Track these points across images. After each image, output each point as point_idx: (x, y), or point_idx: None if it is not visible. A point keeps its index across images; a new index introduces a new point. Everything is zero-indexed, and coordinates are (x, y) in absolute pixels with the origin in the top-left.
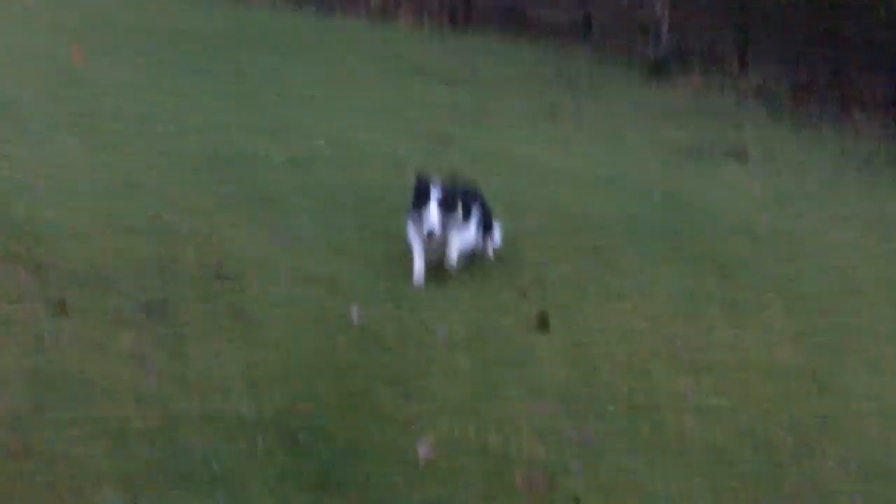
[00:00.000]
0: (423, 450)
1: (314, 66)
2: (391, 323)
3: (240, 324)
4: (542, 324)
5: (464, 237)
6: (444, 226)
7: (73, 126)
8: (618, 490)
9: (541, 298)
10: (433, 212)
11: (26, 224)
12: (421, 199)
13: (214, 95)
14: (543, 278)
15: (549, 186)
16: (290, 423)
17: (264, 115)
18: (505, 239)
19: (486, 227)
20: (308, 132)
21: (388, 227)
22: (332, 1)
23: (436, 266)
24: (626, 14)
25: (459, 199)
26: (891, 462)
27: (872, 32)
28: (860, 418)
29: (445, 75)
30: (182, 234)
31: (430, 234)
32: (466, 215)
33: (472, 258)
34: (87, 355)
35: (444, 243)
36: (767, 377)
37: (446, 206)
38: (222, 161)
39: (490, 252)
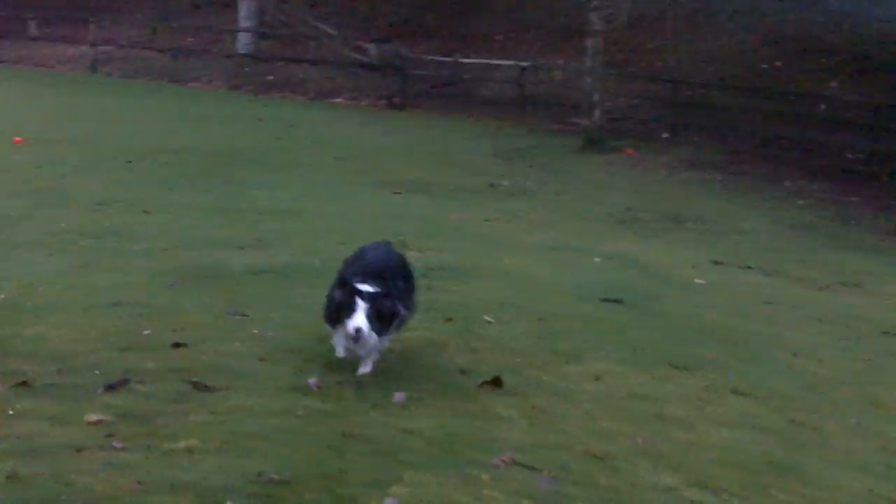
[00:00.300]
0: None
1: (281, 175)
2: (349, 388)
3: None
4: (497, 383)
5: (383, 342)
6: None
7: (53, 244)
8: None
9: (495, 361)
10: (361, 322)
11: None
12: (345, 307)
13: (190, 209)
14: (499, 341)
15: (494, 253)
16: (261, 487)
17: (239, 229)
18: (456, 304)
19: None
20: (284, 244)
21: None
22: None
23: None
24: (560, 91)
25: (387, 307)
26: None
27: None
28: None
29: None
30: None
31: (358, 335)
32: (391, 318)
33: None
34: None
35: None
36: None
37: (376, 317)
38: (200, 274)
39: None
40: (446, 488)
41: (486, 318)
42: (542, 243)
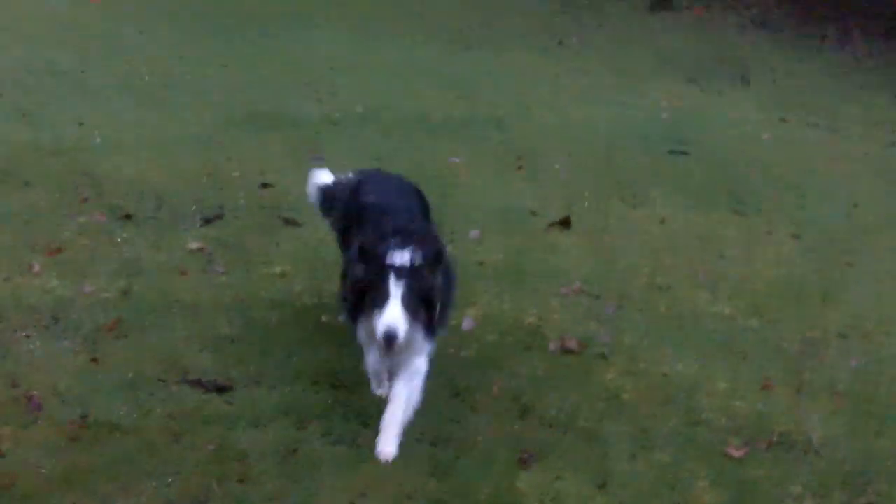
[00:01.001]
0: (466, 322)
1: (341, 32)
2: None
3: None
4: (565, 223)
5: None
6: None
7: (138, 93)
8: (639, 351)
9: (564, 204)
10: (396, 314)
11: (93, 171)
12: (377, 289)
13: (264, 61)
14: (568, 186)
15: (563, 107)
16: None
17: (312, 80)
18: (527, 151)
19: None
20: (343, 94)
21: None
22: None
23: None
24: None
25: (437, 286)
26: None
27: None
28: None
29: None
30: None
31: (391, 340)
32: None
33: None
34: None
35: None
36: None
37: (422, 303)
38: (264, 117)
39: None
40: (517, 311)
41: (556, 165)
42: (609, 98)
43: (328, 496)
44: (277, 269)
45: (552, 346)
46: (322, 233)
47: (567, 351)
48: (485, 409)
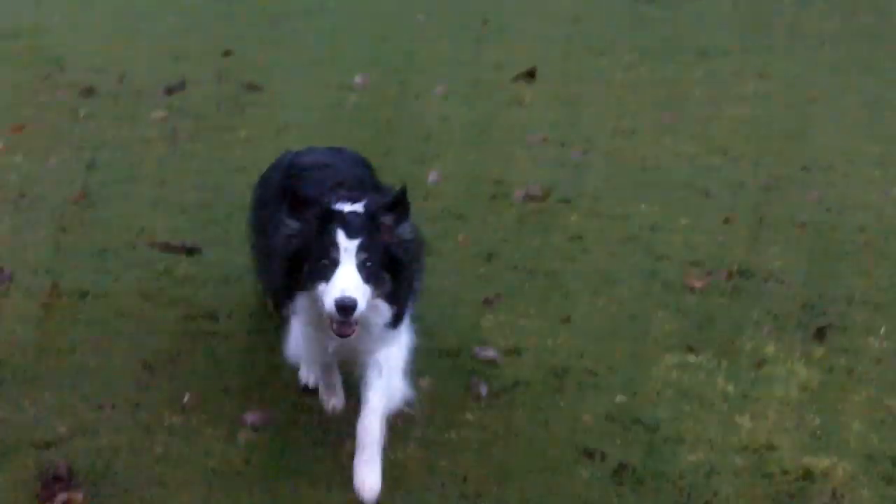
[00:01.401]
0: (432, 176)
1: None
2: (393, 84)
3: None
4: (531, 75)
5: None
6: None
7: None
8: (602, 195)
9: (529, 56)
10: (350, 281)
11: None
12: (319, 251)
13: None
14: (534, 39)
15: None
16: None
17: None
18: (490, 8)
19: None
20: None
21: None
22: None
23: None
24: None
25: (409, 243)
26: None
27: None
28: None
29: None
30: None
31: (347, 311)
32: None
33: None
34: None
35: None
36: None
37: (388, 268)
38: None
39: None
40: (483, 164)
41: (522, 21)
42: None
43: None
44: (242, 134)
45: (517, 194)
46: (287, 97)
47: (531, 198)
48: (450, 257)
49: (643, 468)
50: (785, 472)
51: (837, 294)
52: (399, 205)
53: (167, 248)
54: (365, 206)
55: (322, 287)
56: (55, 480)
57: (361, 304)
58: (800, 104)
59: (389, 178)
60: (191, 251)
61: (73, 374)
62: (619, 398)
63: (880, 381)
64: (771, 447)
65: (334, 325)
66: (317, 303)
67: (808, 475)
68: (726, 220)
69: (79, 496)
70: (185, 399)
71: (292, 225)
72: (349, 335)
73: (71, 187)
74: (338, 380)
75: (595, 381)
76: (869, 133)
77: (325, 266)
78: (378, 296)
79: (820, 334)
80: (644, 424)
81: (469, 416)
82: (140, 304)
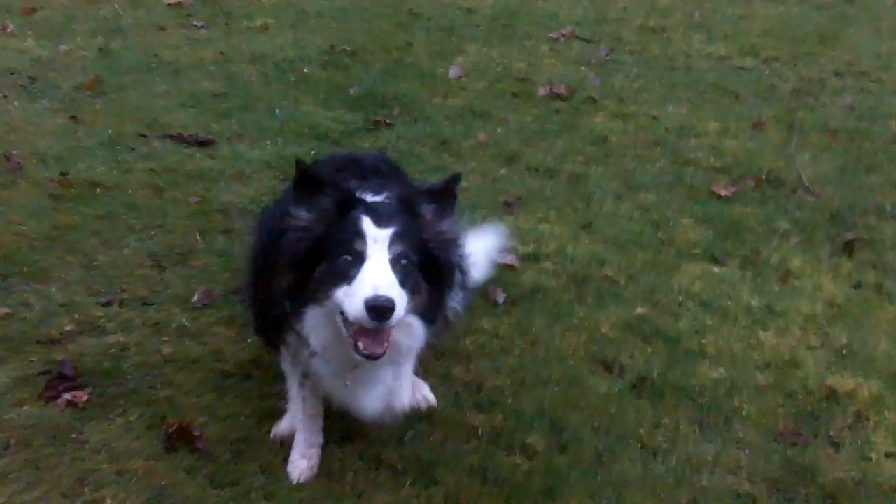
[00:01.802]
0: (454, 70)
1: None
2: None
3: None
4: None
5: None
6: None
7: None
8: (629, 95)
9: None
10: (384, 276)
11: None
12: (341, 243)
13: None
14: None
15: None
16: (333, 57)
17: None
18: None
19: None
20: None
21: None
22: None
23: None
24: None
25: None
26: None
27: None
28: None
29: None
30: None
31: (383, 316)
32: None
33: None
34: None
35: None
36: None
37: (410, 269)
38: None
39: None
40: (507, 57)
41: None
42: None
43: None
44: (258, 22)
45: (541, 91)
46: None
47: (556, 96)
48: (471, 157)
49: (662, 382)
50: (808, 392)
51: (868, 206)
52: (445, 193)
53: (180, 139)
54: (401, 193)
55: (343, 291)
56: (60, 378)
57: (400, 309)
58: (835, 4)
59: (409, 73)
60: (204, 144)
61: (81, 270)
62: (640, 309)
63: None
64: (794, 364)
65: (360, 344)
66: (334, 318)
67: (831, 395)
68: (756, 126)
69: (83, 396)
70: (195, 298)
71: (301, 216)
72: (380, 355)
73: (83, 74)
74: (321, 437)
75: (615, 291)
76: None
77: (347, 263)
78: (412, 308)
79: (848, 247)
80: (664, 336)
81: (485, 323)
82: (151, 197)
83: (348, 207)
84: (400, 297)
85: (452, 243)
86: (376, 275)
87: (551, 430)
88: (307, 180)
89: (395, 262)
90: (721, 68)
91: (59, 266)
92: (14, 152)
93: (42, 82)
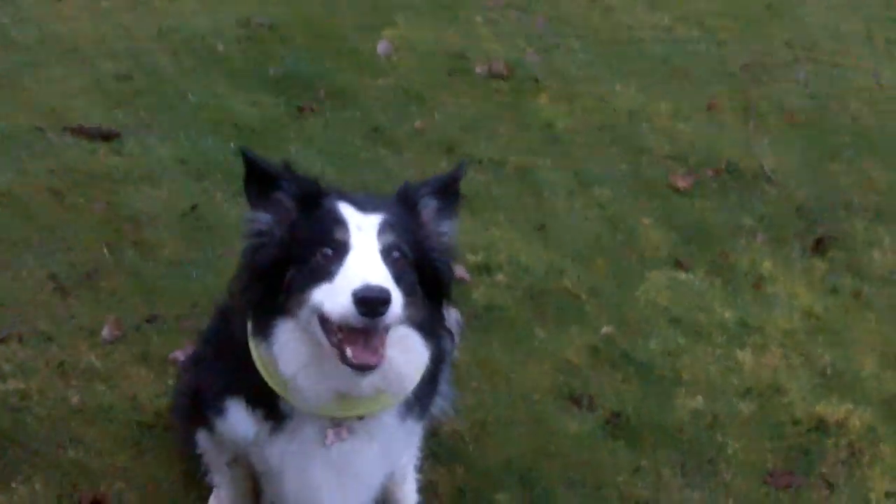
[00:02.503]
0: (381, 47)
1: None
2: None
3: None
4: None
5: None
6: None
7: None
8: (574, 73)
9: None
10: (374, 266)
11: None
12: (314, 237)
13: None
14: None
15: None
16: (249, 31)
17: None
18: None
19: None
20: None
21: None
22: None
23: None
24: None
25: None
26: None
27: None
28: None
29: None
30: None
31: (376, 308)
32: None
33: None
34: None
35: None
36: None
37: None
38: None
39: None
40: (438, 32)
41: None
42: None
43: (235, 258)
44: None
45: (479, 69)
46: None
47: (495, 76)
48: (407, 146)
49: (637, 418)
50: (795, 423)
51: (835, 199)
52: (450, 189)
53: (81, 132)
54: (399, 194)
55: (322, 291)
56: None
57: (396, 304)
58: None
59: (334, 49)
60: (108, 137)
61: None
62: (605, 328)
63: (890, 306)
64: (778, 390)
65: (349, 351)
66: (309, 333)
67: (821, 425)
68: (710, 107)
69: None
70: (105, 331)
71: (258, 219)
72: (374, 365)
73: None
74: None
75: (577, 307)
76: (853, 9)
77: (326, 258)
78: (408, 319)
79: (819, 246)
80: (635, 362)
81: None
82: (50, 205)
83: (314, 198)
84: (395, 291)
85: (452, 251)
86: (364, 263)
87: (521, 485)
88: (256, 175)
89: (385, 254)
90: (668, 41)
91: None
92: None
93: None
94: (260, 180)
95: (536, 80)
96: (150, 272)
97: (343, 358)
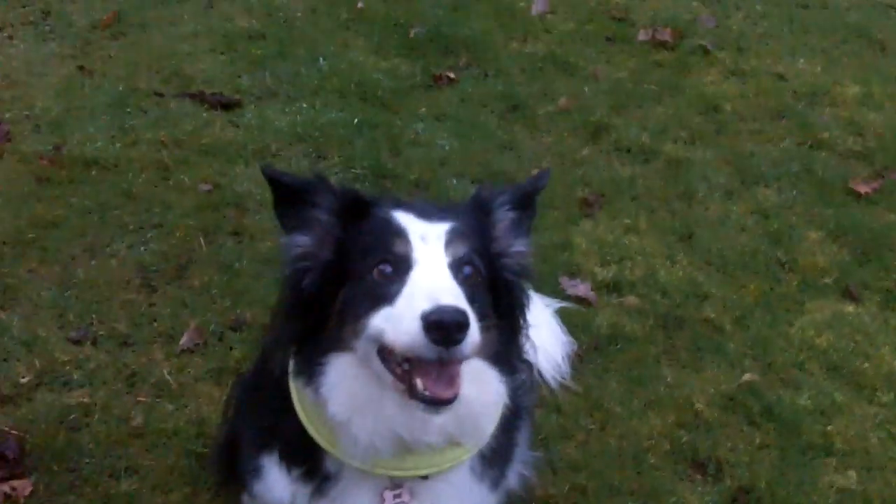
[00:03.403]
0: (538, 4)
1: None
2: None
3: None
4: None
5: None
6: None
7: None
8: (750, 43)
9: None
10: (444, 282)
11: None
12: (369, 251)
13: None
14: None
15: None
16: None
17: None
18: None
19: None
20: None
21: None
22: None
23: None
24: None
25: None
26: None
27: None
28: None
29: None
30: None
31: (452, 333)
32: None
33: None
34: None
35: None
36: None
37: (477, 282)
38: None
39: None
40: None
41: None
42: None
43: None
44: None
45: (641, 35)
46: None
47: (659, 44)
48: (547, 128)
49: (771, 496)
50: None
51: None
52: (529, 200)
53: (202, 98)
54: (476, 192)
55: (382, 316)
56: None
57: (475, 330)
58: None
59: (484, 7)
60: (228, 106)
61: (54, 289)
62: (747, 375)
63: None
64: None
65: (419, 383)
66: (366, 369)
67: None
68: None
69: (27, 487)
70: (184, 339)
71: (296, 243)
72: (450, 400)
73: (103, 8)
74: None
75: (717, 343)
76: None
77: (385, 277)
78: (482, 349)
79: None
80: (778, 421)
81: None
82: (154, 183)
83: (361, 209)
84: (471, 314)
85: (528, 274)
86: (433, 280)
87: None
88: (284, 193)
89: (455, 269)
90: (867, 6)
91: (29, 283)
92: (7, 115)
93: (55, 18)
94: (290, 199)
95: (706, 51)
96: (244, 269)
97: (412, 392)
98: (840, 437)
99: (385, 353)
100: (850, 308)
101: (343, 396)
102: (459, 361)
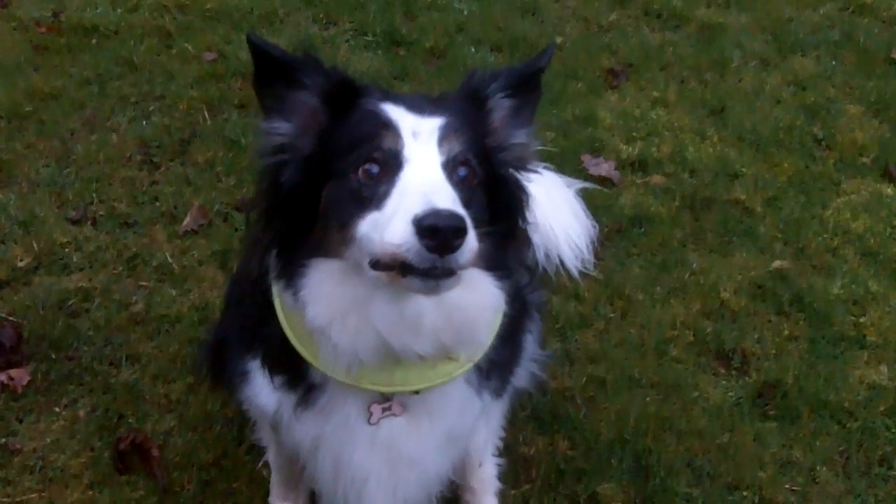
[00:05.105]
0: None
1: None
2: None
3: None
4: None
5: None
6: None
7: None
8: None
9: None
10: (437, 182)
11: None
12: (355, 145)
13: None
14: None
15: None
16: None
17: None
18: None
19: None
20: None
21: None
22: None
23: None
24: None
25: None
26: None
27: None
28: None
29: None
30: None
31: (449, 237)
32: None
33: None
34: None
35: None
36: None
37: (471, 181)
38: None
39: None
40: None
41: None
42: None
43: None
44: None
45: None
46: None
47: None
48: None
49: (798, 392)
50: None
51: None
52: (530, 82)
53: None
54: (468, 77)
55: (370, 221)
56: None
57: (472, 236)
58: None
59: None
60: None
61: (52, 166)
62: (778, 261)
63: None
64: None
65: (408, 280)
66: (352, 276)
67: None
68: None
69: (24, 377)
70: (187, 220)
71: (276, 128)
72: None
73: None
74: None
75: (748, 226)
76: None
77: (372, 177)
78: (478, 258)
79: None
80: (809, 310)
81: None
82: (157, 49)
83: (349, 97)
84: (466, 217)
85: (529, 163)
86: (427, 181)
87: (634, 472)
88: (270, 69)
89: (449, 170)
90: None
91: (26, 158)
92: None
93: None
94: (275, 76)
95: None
96: (250, 143)
97: (404, 269)
98: (873, 329)
99: (380, 266)
100: (890, 189)
101: (325, 300)
102: (454, 272)
